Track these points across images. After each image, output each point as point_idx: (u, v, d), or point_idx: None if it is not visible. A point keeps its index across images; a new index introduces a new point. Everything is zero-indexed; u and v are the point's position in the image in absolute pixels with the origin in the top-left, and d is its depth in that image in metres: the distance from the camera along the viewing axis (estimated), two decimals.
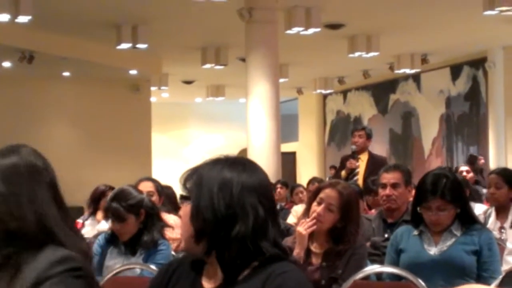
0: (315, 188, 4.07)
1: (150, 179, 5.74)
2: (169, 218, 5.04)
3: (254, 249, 1.92)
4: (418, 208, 3.77)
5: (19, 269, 1.72)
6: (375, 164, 7.79)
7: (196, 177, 1.98)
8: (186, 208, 1.99)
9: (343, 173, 7.85)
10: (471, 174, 8.64)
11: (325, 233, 3.83)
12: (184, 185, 2.00)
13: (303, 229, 3.79)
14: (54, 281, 1.70)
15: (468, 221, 3.77)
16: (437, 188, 3.72)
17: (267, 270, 1.90)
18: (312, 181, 10.10)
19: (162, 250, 4.21)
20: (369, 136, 8.10)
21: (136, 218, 4.25)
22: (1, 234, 1.77)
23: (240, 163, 2.02)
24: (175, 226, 4.88)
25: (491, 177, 5.67)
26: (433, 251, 3.73)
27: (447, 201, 3.70)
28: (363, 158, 8.02)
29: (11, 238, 1.76)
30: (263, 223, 1.95)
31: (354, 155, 7.97)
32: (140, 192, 4.45)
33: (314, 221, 3.78)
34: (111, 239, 4.33)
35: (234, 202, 1.94)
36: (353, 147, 8.02)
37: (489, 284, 3.45)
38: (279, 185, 10.59)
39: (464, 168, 8.78)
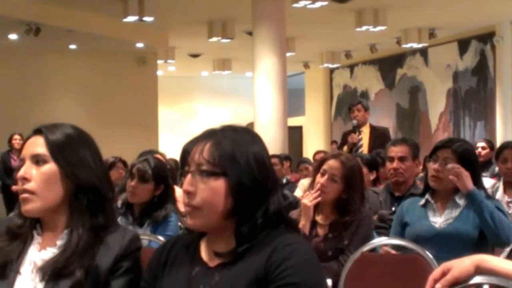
0: (319, 159, 4.09)
1: (152, 151, 5.76)
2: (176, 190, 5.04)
3: (281, 219, 1.95)
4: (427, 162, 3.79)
5: (104, 240, 2.05)
6: (378, 135, 7.94)
7: (222, 150, 1.91)
8: (216, 183, 1.90)
9: (345, 148, 7.88)
10: (487, 150, 8.54)
11: (331, 205, 3.85)
12: (207, 159, 1.90)
13: (308, 201, 3.82)
14: (131, 256, 2.06)
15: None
16: (451, 144, 3.75)
17: (273, 241, 1.89)
18: (318, 152, 10.12)
19: (170, 222, 4.23)
20: (366, 109, 8.19)
21: (154, 188, 4.27)
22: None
23: (253, 133, 2.02)
24: (180, 199, 4.89)
25: (508, 151, 5.57)
26: (438, 223, 3.73)
27: (456, 156, 3.69)
28: (365, 130, 8.10)
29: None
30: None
31: (356, 129, 8.02)
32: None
33: (319, 192, 3.81)
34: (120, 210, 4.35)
35: (269, 174, 1.95)
36: (354, 121, 8.07)
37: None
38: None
39: (480, 144, 8.71)
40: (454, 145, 3.74)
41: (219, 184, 1.90)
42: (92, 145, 2.15)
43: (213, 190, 1.90)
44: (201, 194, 1.90)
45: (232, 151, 1.91)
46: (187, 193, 1.93)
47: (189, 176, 1.93)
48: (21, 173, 2.07)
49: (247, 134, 1.98)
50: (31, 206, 2.06)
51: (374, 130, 8.16)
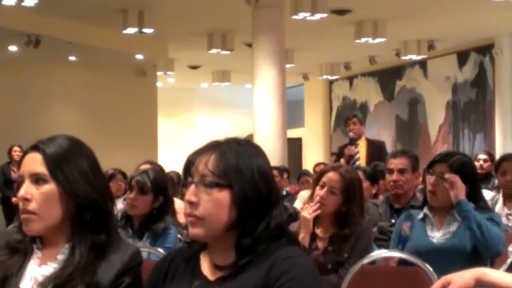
0: (319, 171, 4.08)
1: (150, 162, 5.76)
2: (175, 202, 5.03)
3: (283, 233, 1.95)
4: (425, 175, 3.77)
5: (106, 256, 2.04)
6: (375, 148, 8.00)
7: (227, 162, 1.91)
8: (220, 195, 1.90)
9: (342, 160, 7.91)
10: (488, 163, 8.51)
11: (330, 217, 3.84)
12: (212, 171, 1.91)
13: (307, 213, 3.81)
14: (132, 271, 2.04)
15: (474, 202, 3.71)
16: (447, 158, 3.72)
17: (273, 254, 1.89)
18: (318, 164, 10.13)
19: (169, 234, 4.22)
20: (362, 122, 8.27)
21: (153, 199, 4.26)
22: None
23: (256, 146, 2.03)
24: (180, 211, 4.89)
25: (507, 164, 5.56)
26: (436, 238, 3.71)
27: (452, 171, 3.65)
28: (362, 143, 8.16)
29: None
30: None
31: (353, 142, 8.06)
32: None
33: (318, 205, 3.80)
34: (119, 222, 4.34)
35: (272, 187, 1.95)
36: (351, 134, 8.11)
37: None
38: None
39: (482, 156, 8.68)
40: (450, 160, 3.71)
41: (223, 196, 1.90)
42: (89, 154, 2.14)
43: (216, 201, 1.90)
44: (204, 205, 1.90)
45: (237, 163, 1.91)
46: (190, 204, 1.92)
47: (192, 187, 1.93)
48: (21, 193, 2.06)
49: (250, 147, 1.99)
50: (33, 227, 2.06)
51: (371, 143, 8.23)
